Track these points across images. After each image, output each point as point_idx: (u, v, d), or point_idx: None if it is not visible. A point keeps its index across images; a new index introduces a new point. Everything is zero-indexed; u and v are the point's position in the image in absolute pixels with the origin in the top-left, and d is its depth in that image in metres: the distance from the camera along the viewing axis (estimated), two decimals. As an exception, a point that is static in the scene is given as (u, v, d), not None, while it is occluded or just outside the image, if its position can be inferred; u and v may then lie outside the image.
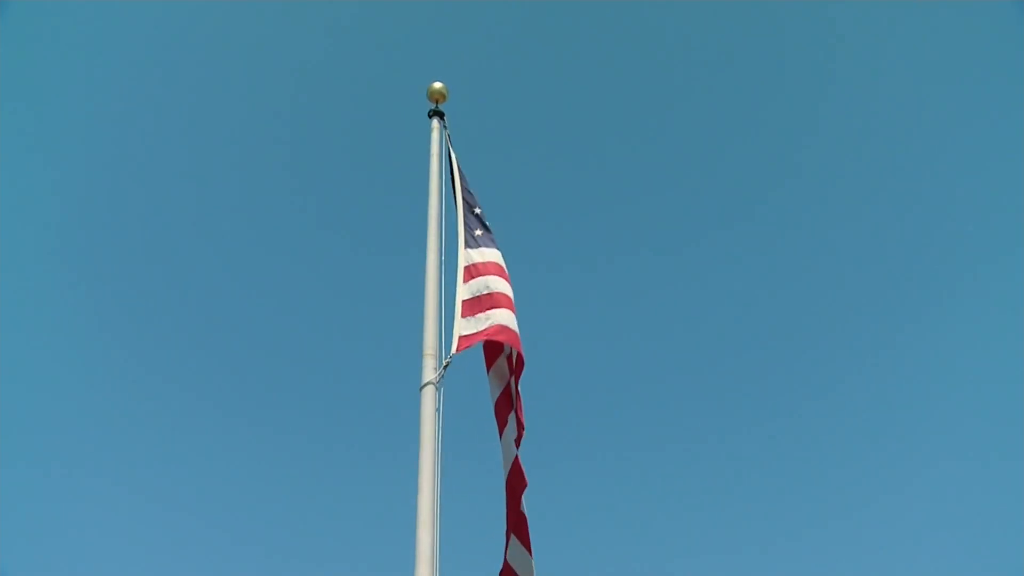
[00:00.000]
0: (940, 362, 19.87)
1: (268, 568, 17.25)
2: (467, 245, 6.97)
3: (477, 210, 7.34)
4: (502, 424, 6.64)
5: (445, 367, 6.04)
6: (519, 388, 6.58)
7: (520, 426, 6.42)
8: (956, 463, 18.12)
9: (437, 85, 7.81)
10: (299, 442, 19.91)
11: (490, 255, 7.01)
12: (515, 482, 6.27)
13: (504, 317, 6.55)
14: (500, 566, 6.26)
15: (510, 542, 6.25)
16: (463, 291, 6.66)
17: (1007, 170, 18.67)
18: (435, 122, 7.64)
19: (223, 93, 21.28)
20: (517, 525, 6.24)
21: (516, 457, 6.32)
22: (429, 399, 5.87)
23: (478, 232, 7.12)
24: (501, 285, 6.78)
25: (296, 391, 20.47)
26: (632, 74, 22.90)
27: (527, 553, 6.19)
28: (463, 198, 7.34)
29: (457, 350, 6.21)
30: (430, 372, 6.01)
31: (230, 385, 20.13)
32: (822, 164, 21.75)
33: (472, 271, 6.82)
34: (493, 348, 6.84)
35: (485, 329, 6.45)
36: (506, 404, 6.69)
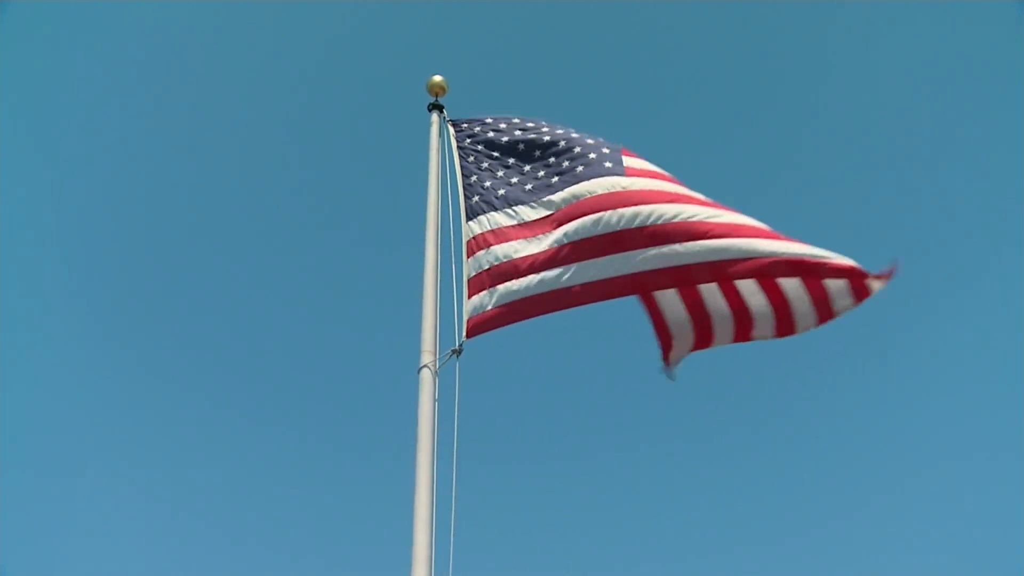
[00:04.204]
0: (941, 361, 19.85)
1: (269, 567, 17.23)
2: (468, 218, 6.59)
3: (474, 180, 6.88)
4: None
5: (457, 354, 5.86)
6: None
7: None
8: (956, 463, 18.10)
9: (437, 78, 7.74)
10: (298, 441, 19.92)
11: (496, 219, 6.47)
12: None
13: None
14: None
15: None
16: (467, 268, 6.28)
17: (1007, 170, 18.65)
18: (434, 115, 7.57)
19: (223, 91, 21.32)
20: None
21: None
22: (427, 387, 5.81)
23: (475, 199, 6.69)
24: (522, 246, 6.22)
25: (296, 390, 20.48)
26: (632, 68, 22.88)
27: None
28: (463, 182, 6.98)
29: (468, 336, 5.91)
30: (428, 373, 5.91)
31: (231, 385, 20.15)
32: (820, 165, 21.73)
33: (475, 243, 6.40)
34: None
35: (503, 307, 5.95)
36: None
